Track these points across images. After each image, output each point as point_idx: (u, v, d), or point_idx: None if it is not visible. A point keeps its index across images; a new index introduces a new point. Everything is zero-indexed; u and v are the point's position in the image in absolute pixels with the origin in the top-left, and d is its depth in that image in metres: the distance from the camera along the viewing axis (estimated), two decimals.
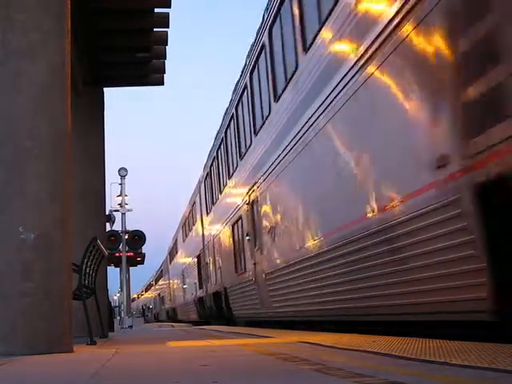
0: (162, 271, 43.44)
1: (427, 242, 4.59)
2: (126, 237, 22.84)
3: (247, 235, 11.55)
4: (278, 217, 9.25)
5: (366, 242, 5.83)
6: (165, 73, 11.98)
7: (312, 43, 7.38)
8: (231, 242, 13.57)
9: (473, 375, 2.45)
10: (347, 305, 6.66)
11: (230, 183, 13.59)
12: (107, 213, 16.57)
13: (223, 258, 15.02)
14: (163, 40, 10.93)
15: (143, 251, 25.42)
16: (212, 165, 16.46)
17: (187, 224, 24.61)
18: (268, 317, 10.75)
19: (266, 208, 10.05)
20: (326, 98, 6.77)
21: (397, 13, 4.88)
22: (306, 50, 7.65)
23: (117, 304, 34.19)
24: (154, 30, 10.63)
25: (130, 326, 20.94)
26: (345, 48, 6.32)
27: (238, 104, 12.29)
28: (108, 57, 11.38)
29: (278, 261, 9.36)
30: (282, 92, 8.81)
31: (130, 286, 27.97)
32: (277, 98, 9.15)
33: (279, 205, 9.25)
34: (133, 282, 34.39)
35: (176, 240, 30.09)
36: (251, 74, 11.07)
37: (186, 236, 25.13)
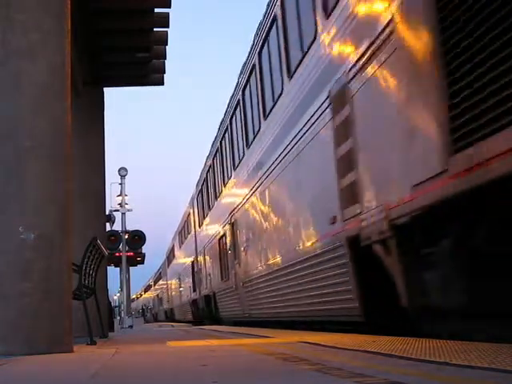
0: (160, 273, 45.61)
1: (328, 269, 6.80)
2: (126, 237, 22.84)
3: (229, 250, 13.77)
4: (249, 239, 11.58)
5: (293, 268, 8.25)
6: (165, 73, 12.00)
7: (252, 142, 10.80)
8: (218, 253, 15.68)
9: (473, 375, 2.45)
10: (280, 310, 9.44)
11: (217, 204, 15.82)
12: (107, 213, 16.58)
13: (212, 267, 17.20)
14: (163, 40, 10.93)
15: (143, 251, 25.45)
16: (203, 184, 18.77)
17: (183, 232, 26.58)
18: (245, 317, 12.82)
19: (241, 231, 12.39)
20: (269, 168, 9.50)
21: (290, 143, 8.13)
22: (247, 146, 11.00)
23: (117, 304, 34.21)
24: (154, 29, 10.63)
25: (130, 326, 20.95)
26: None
27: (222, 140, 14.67)
28: (108, 57, 11.38)
29: (250, 273, 11.58)
30: (252, 141, 10.91)
31: (130, 286, 27.98)
32: (248, 145, 11.31)
33: (249, 231, 11.63)
34: (133, 282, 35.48)
35: (173, 245, 32.09)
36: (230, 123, 13.32)
37: (182, 243, 27.08)
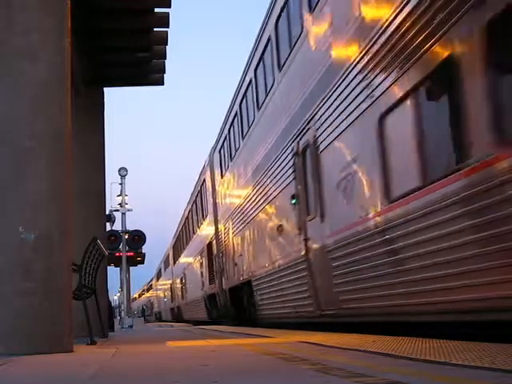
0: (151, 284, 62.73)
1: (199, 305, 22.30)
2: (126, 237, 22.85)
3: (183, 285, 28.36)
4: (187, 285, 26.87)
5: (193, 303, 24.70)
6: (165, 73, 11.98)
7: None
8: (180, 284, 29.73)
9: (473, 375, 2.45)
10: (193, 316, 25.47)
11: (180, 259, 29.54)
12: (107, 213, 16.58)
13: (180, 290, 30.58)
14: (163, 40, 10.92)
15: (143, 251, 25.46)
16: (174, 244, 32.85)
17: (166, 262, 39.77)
18: (190, 319, 26.56)
19: (186, 279, 27.03)
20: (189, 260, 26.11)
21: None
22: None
23: (117, 304, 34.25)
24: (154, 29, 10.62)
25: (131, 326, 20.98)
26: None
27: (178, 235, 29.88)
28: (108, 57, 11.37)
29: (186, 299, 27.07)
30: (187, 242, 26.54)
31: (130, 286, 28.00)
32: (188, 243, 25.91)
33: (186, 281, 26.77)
34: (133, 282, 38.80)
35: (160, 268, 47.19)
36: (182, 231, 28.13)
37: (166, 269, 40.76)
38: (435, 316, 5.35)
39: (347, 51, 6.71)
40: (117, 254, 22.83)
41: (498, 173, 4.09)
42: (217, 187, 16.39)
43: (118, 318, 28.01)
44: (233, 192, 14.07)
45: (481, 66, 4.35)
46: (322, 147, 7.50)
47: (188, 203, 24.32)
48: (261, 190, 10.85)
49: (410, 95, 5.31)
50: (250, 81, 11.54)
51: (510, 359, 2.79)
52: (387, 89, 5.68)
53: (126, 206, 22.59)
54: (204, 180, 18.66)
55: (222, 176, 15.42)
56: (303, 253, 8.35)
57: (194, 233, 22.62)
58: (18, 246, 5.34)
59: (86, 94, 10.91)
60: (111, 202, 22.23)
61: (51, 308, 5.34)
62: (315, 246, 7.94)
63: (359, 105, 6.31)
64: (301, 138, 8.22)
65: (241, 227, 12.97)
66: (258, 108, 10.86)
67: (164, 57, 11.49)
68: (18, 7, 5.70)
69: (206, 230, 18.74)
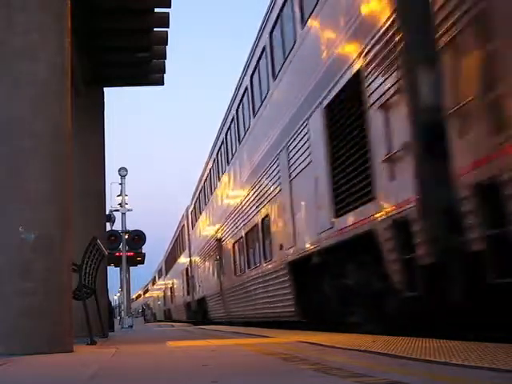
0: (148, 288, 70.67)
1: (182, 310, 30.99)
2: (126, 237, 22.85)
3: (172, 293, 35.87)
4: (173, 292, 35.75)
5: (176, 307, 35.08)
6: (165, 73, 11.99)
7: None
8: (170, 291, 37.39)
9: (473, 375, 2.45)
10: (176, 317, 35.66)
11: (170, 272, 36.48)
12: (107, 213, 16.59)
13: (169, 296, 38.04)
14: (163, 40, 10.92)
15: (143, 251, 25.45)
16: (166, 259, 39.99)
17: (159, 273, 48.93)
18: (179, 319, 32.52)
19: (174, 288, 35.23)
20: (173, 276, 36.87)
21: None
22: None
23: (117, 304, 34.35)
24: (154, 29, 10.62)
25: (131, 326, 20.98)
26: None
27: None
28: (108, 57, 11.37)
29: (174, 304, 35.26)
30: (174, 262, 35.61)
31: (130, 286, 28.00)
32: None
33: (174, 289, 35.24)
34: (133, 282, 41.42)
35: (155, 276, 55.63)
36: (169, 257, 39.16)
37: (159, 278, 49.10)
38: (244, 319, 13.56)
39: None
40: (117, 254, 22.83)
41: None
42: (190, 232, 25.47)
43: (118, 318, 28.02)
44: (196, 241, 23.35)
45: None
46: (222, 242, 16.51)
47: (173, 237, 34.11)
48: (207, 247, 19.74)
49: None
50: (203, 187, 20.51)
51: (510, 359, 2.79)
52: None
53: (126, 206, 22.62)
54: (184, 224, 27.63)
55: (192, 227, 24.69)
56: (220, 289, 17.14)
57: (178, 257, 31.31)
58: (17, 245, 5.34)
59: (86, 94, 10.91)
60: (111, 202, 22.27)
61: (51, 308, 5.34)
62: (224, 286, 16.54)
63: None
64: (218, 233, 17.07)
65: (199, 264, 22.31)
66: (205, 204, 20.16)
67: (164, 57, 11.49)
68: (18, 7, 5.70)
69: (185, 257, 27.27)
